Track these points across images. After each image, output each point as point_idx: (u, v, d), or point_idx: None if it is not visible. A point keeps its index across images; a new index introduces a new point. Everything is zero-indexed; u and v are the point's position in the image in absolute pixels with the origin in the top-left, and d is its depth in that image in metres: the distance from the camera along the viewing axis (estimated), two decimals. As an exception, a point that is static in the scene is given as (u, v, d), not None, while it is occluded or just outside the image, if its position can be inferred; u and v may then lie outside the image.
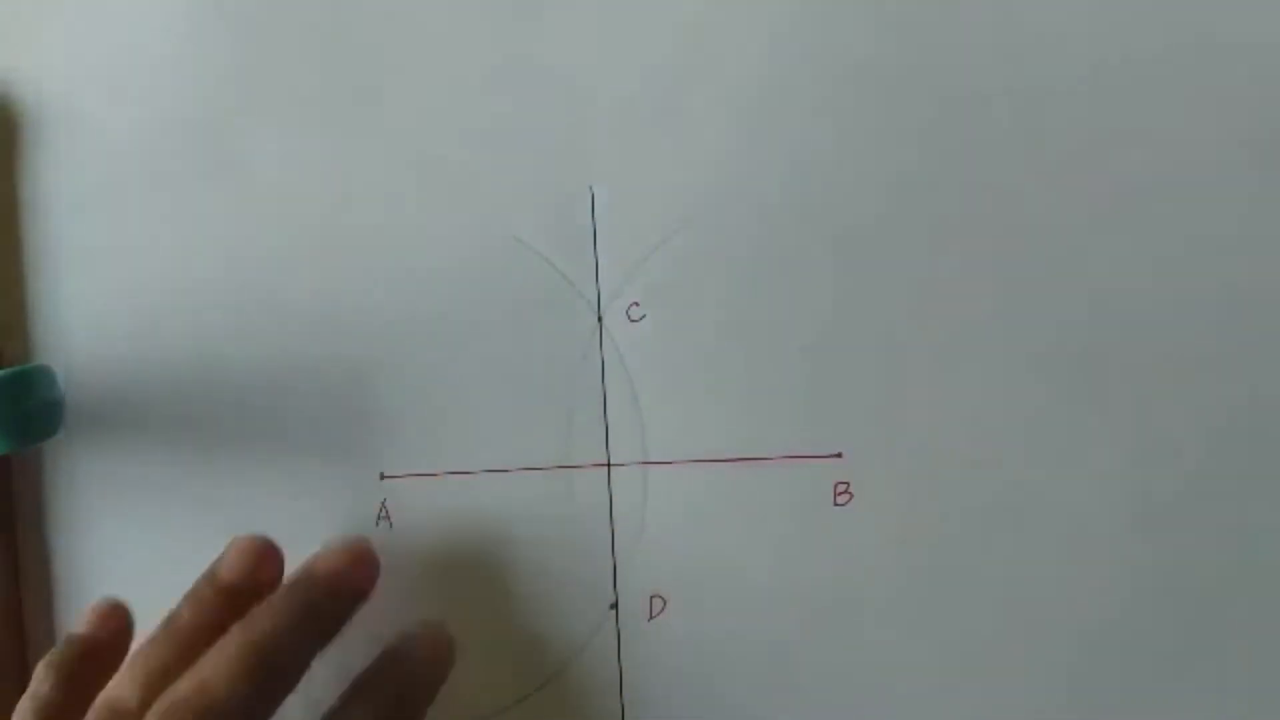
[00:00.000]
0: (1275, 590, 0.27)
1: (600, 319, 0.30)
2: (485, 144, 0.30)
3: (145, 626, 0.30)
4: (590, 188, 0.29)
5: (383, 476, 0.30)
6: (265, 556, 0.28)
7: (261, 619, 0.26)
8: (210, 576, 0.28)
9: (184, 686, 0.24)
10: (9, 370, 0.27)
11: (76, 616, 0.29)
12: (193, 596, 0.27)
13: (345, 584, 0.28)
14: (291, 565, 0.30)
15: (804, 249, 0.28)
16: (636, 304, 0.29)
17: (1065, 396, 0.27)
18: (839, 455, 0.28)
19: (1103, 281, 0.27)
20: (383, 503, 0.30)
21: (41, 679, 0.26)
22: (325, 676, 0.28)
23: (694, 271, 0.29)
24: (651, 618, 0.30)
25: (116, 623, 0.28)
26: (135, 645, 0.27)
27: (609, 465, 0.30)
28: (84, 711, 0.25)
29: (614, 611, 0.30)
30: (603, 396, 0.30)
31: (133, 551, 0.30)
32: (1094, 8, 0.27)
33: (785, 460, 0.29)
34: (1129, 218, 0.27)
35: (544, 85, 0.29)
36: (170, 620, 0.27)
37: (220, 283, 0.30)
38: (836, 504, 0.29)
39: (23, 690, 0.29)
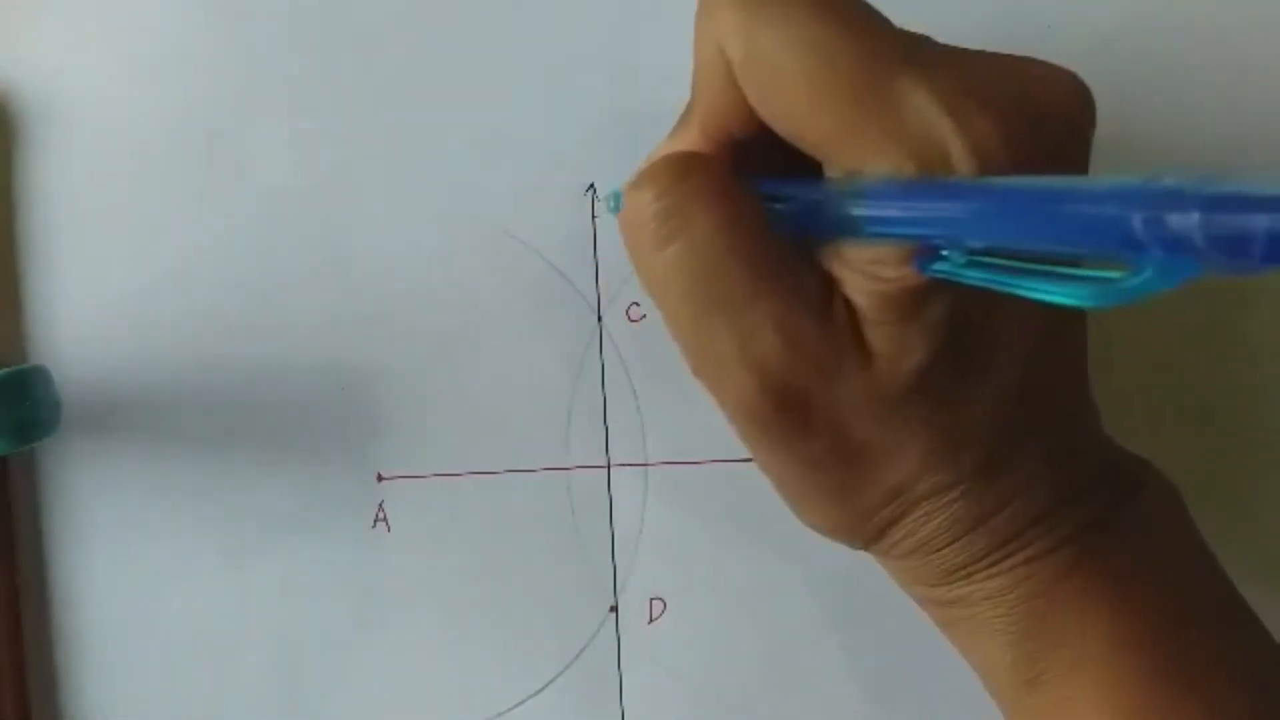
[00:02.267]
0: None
1: (600, 319, 0.30)
2: (485, 144, 0.30)
3: (141, 627, 0.30)
4: (590, 187, 0.29)
5: (380, 478, 0.30)
6: None
7: None
8: None
9: None
10: (5, 371, 0.27)
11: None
12: None
13: None
14: (284, 564, 0.29)
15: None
16: (636, 304, 0.29)
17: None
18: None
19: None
20: (380, 504, 0.30)
21: None
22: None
23: (694, 272, 0.29)
24: (651, 620, 0.30)
25: None
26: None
27: (609, 466, 0.30)
28: None
29: (613, 614, 0.30)
30: (603, 397, 0.30)
31: (129, 550, 0.30)
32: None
33: (786, 461, 0.28)
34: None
35: (545, 84, 0.29)
36: None
37: (218, 283, 0.30)
38: (838, 505, 0.28)
39: (22, 691, 0.29)
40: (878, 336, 0.21)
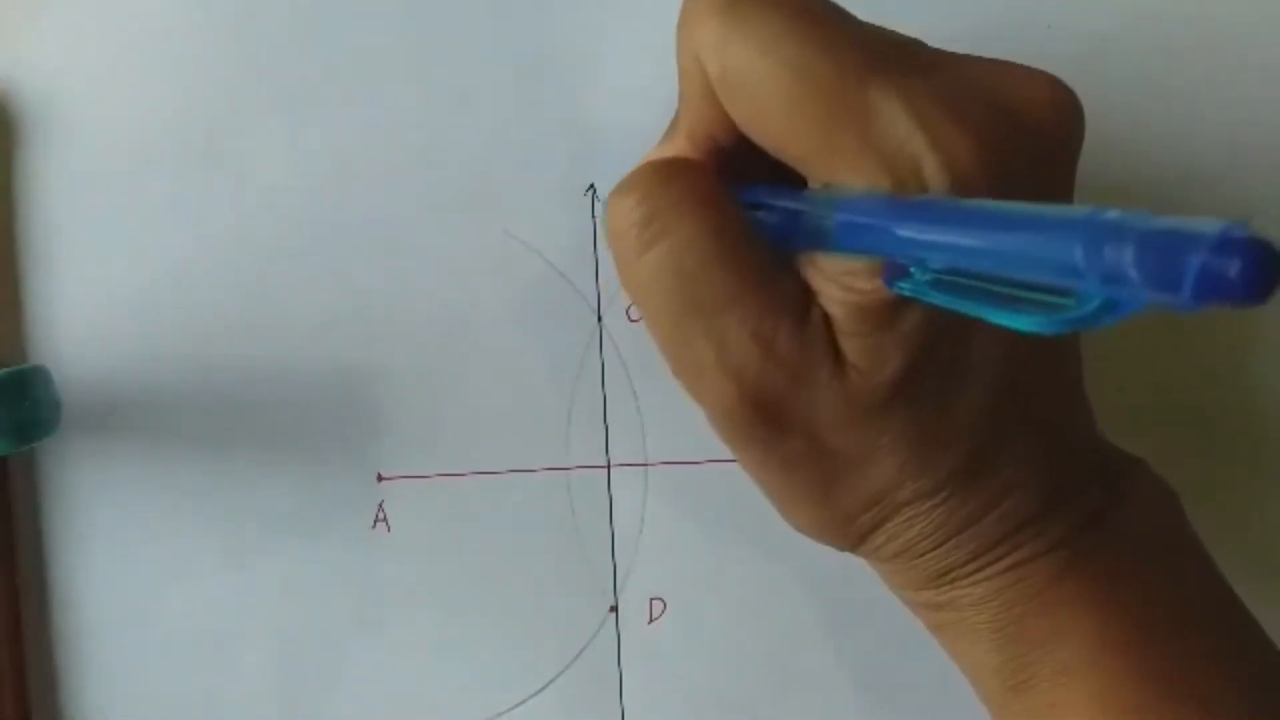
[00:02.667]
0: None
1: (600, 319, 0.30)
2: (485, 143, 0.30)
3: (140, 627, 0.30)
4: (591, 187, 0.29)
5: (380, 478, 0.30)
6: None
7: None
8: None
9: None
10: (5, 371, 0.27)
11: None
12: None
13: None
14: (284, 564, 0.29)
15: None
16: (636, 304, 0.29)
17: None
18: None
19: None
20: (380, 504, 0.30)
21: None
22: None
23: (694, 272, 0.29)
24: (651, 620, 0.30)
25: None
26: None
27: (609, 466, 0.30)
28: None
29: (613, 615, 0.30)
30: (603, 397, 0.30)
31: (129, 550, 0.30)
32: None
33: (786, 462, 0.28)
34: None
35: (545, 84, 0.29)
36: None
37: (218, 282, 0.30)
38: (837, 506, 0.28)
39: (22, 691, 0.29)
40: (853, 347, 0.21)
